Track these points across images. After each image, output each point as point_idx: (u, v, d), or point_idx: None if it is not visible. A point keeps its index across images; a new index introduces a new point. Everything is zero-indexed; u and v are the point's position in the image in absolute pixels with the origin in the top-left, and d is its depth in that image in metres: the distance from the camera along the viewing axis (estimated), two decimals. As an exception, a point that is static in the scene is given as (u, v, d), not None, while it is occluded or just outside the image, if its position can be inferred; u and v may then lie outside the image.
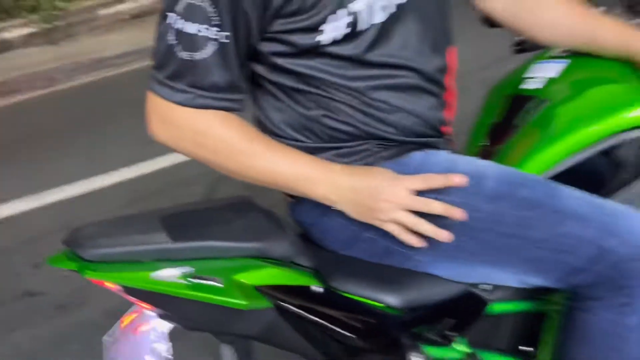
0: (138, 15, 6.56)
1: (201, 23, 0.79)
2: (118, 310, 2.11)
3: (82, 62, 5.50)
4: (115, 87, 4.94)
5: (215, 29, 0.79)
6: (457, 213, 0.80)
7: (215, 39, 0.79)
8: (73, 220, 2.83)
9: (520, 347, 0.95)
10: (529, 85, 1.01)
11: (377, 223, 0.84)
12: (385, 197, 0.82)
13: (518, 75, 1.04)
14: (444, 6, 0.93)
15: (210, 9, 0.78)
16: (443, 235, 0.81)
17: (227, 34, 0.80)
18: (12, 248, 2.67)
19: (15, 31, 6.12)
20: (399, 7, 0.85)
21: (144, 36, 5.97)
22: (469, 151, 1.08)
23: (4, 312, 2.28)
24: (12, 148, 3.82)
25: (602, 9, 1.11)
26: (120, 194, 2.98)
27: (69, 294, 2.28)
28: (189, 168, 3.11)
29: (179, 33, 0.80)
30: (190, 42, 0.80)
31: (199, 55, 0.80)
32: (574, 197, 0.84)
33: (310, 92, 0.87)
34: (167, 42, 0.82)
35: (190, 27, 0.79)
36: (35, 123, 4.35)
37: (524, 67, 1.04)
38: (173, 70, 0.83)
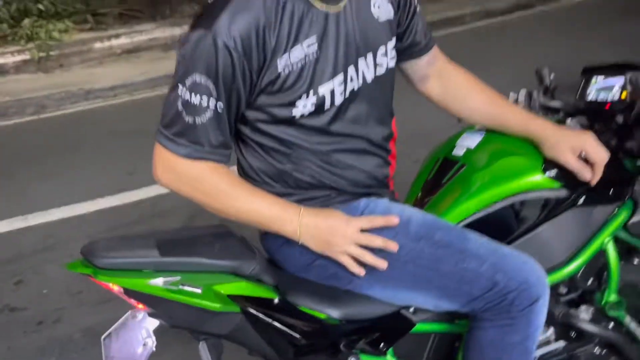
0: (130, 51, 6.81)
1: (203, 95, 1.00)
2: (92, 328, 2.26)
3: (72, 92, 5.67)
4: (102, 118, 5.12)
5: (213, 101, 1.00)
6: (392, 246, 1.03)
7: (213, 109, 1.01)
8: (55, 243, 2.99)
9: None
10: (455, 152, 1.26)
11: (332, 255, 1.06)
12: (341, 234, 1.04)
13: (448, 144, 1.30)
14: (387, 91, 1.19)
15: (211, 86, 0.99)
16: (380, 264, 1.03)
17: (222, 105, 1.02)
18: (-6, 265, 2.78)
19: (10, 57, 6.31)
20: (352, 93, 1.10)
21: (133, 71, 6.23)
22: (408, 200, 1.32)
23: (-18, 325, 2.38)
24: (-1, 170, 3.98)
25: (512, 97, 1.40)
26: (102, 220, 3.11)
27: (48, 310, 2.41)
28: (166, 201, 3.26)
29: (186, 102, 1.01)
30: (194, 109, 1.00)
31: (199, 120, 1.01)
32: (476, 241, 1.06)
33: (283, 151, 1.10)
34: (176, 107, 1.02)
35: (195, 99, 1.00)
36: (23, 147, 4.49)
37: (454, 137, 1.30)
38: (178, 130, 1.02)
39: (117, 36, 6.76)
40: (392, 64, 1.15)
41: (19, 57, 6.32)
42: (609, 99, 1.30)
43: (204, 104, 1.00)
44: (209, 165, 1.04)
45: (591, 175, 1.13)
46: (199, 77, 0.98)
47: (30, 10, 6.68)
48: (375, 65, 1.12)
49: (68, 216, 3.24)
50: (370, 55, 1.11)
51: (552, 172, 1.14)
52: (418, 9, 1.24)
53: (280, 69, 1.01)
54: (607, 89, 1.33)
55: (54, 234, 3.03)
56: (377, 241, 1.03)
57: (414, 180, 1.34)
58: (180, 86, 1.01)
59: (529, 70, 4.96)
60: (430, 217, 1.11)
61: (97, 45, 6.65)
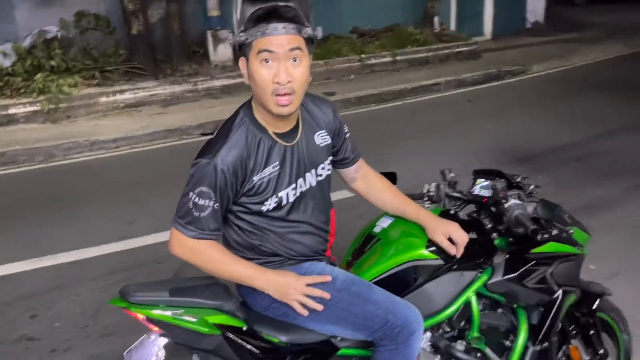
0: (133, 105, 7.39)
1: (206, 199, 1.51)
2: (97, 356, 2.68)
3: (78, 142, 6.15)
4: (105, 169, 5.62)
5: (212, 202, 1.51)
6: (325, 295, 1.54)
7: (212, 207, 1.51)
8: (65, 283, 3.45)
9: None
10: (375, 229, 1.82)
11: (287, 301, 1.55)
12: (293, 287, 1.54)
13: (372, 223, 1.86)
14: (325, 191, 1.72)
15: (212, 194, 1.50)
16: (318, 307, 1.55)
17: (218, 205, 1.52)
18: (10, 302, 3.20)
19: (22, 108, 6.82)
20: (302, 193, 1.63)
21: (134, 125, 6.80)
22: (343, 261, 1.86)
23: (4, 351, 2.80)
24: (10, 215, 4.39)
25: (426, 188, 1.97)
26: (106, 264, 3.56)
27: (59, 341, 2.85)
28: (163, 248, 3.71)
29: (195, 203, 1.51)
30: (200, 208, 1.50)
31: (203, 214, 1.50)
32: (378, 292, 1.56)
33: (254, 232, 1.62)
34: (188, 206, 1.50)
35: (201, 201, 1.51)
36: (33, 194, 4.95)
37: (375, 219, 1.86)
38: (189, 220, 1.50)
39: (121, 92, 7.34)
40: (328, 173, 1.71)
41: (29, 109, 6.84)
42: (486, 195, 1.88)
43: (207, 204, 1.51)
44: (208, 242, 1.54)
45: (455, 251, 1.67)
46: (204, 188, 1.50)
47: (43, 65, 7.23)
48: (317, 175, 1.67)
49: (76, 259, 3.67)
50: (313, 170, 1.66)
51: (432, 249, 1.69)
52: (347, 135, 1.79)
53: (255, 182, 1.55)
54: (485, 187, 1.91)
55: (63, 275, 3.48)
56: (316, 292, 1.54)
57: (348, 248, 1.90)
58: (191, 193, 1.52)
59: (484, 135, 5.69)
60: (351, 276, 1.63)
61: (103, 99, 7.22)
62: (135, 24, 7.75)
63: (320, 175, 1.68)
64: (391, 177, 2.04)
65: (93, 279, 3.42)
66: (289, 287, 1.55)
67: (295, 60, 1.48)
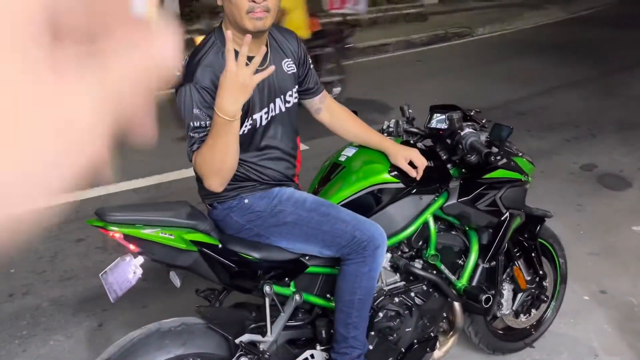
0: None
1: (201, 120, 1.50)
2: (57, 299, 2.70)
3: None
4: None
5: (209, 121, 1.49)
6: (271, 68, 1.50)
7: (208, 126, 1.51)
8: (14, 233, 3.36)
9: (327, 295, 1.80)
10: (340, 158, 1.90)
11: (249, 92, 1.42)
12: (239, 82, 1.40)
13: (337, 154, 1.95)
14: (293, 118, 1.77)
15: (203, 113, 1.50)
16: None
17: (210, 121, 1.51)
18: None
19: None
20: (272, 118, 1.68)
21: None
22: (309, 190, 1.95)
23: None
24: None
25: (386, 124, 2.08)
26: (58, 214, 3.45)
27: (17, 286, 2.83)
28: (115, 198, 3.75)
29: (195, 127, 1.51)
30: (200, 130, 1.52)
31: (203, 134, 1.52)
32: (345, 212, 1.66)
33: None
34: (190, 134, 1.53)
35: (198, 122, 1.51)
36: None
37: (340, 149, 1.95)
38: (193, 143, 1.54)
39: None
40: (295, 101, 1.77)
41: None
42: (443, 127, 2.00)
43: (204, 124, 1.52)
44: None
45: (415, 174, 1.79)
46: (195, 110, 1.51)
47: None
48: (285, 101, 1.73)
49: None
50: (282, 96, 1.71)
51: (394, 173, 1.81)
52: (311, 66, 1.85)
53: None
54: (441, 121, 2.03)
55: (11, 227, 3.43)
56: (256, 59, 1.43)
57: (314, 178, 1.99)
58: (189, 123, 1.53)
59: (432, 92, 5.92)
60: (319, 199, 1.71)
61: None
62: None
63: (289, 102, 1.74)
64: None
65: (45, 228, 3.35)
66: (235, 87, 1.43)
67: None
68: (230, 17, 1.57)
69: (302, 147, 3.04)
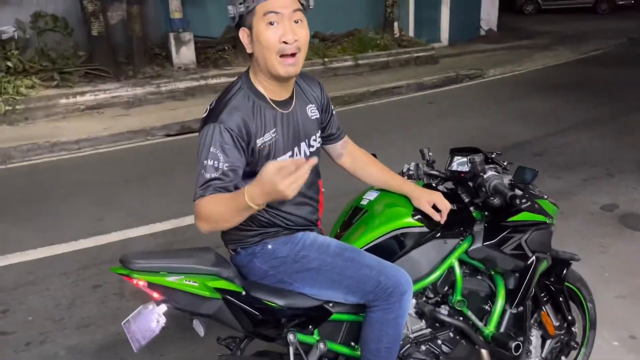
0: (94, 107, 7.25)
1: (215, 160, 1.47)
2: (75, 347, 2.65)
3: (38, 144, 5.99)
4: (68, 170, 5.49)
5: (222, 163, 1.47)
6: (313, 161, 1.32)
7: (222, 169, 1.46)
8: (35, 279, 3.38)
9: (351, 343, 1.75)
10: (362, 202, 1.89)
11: (279, 197, 1.30)
12: (272, 177, 1.26)
13: (358, 197, 1.95)
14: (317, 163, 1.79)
15: (220, 154, 1.47)
16: (314, 161, 1.32)
17: (228, 165, 1.46)
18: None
19: (-25, 110, 6.62)
20: None
21: (97, 127, 6.67)
22: (331, 234, 1.93)
23: (-25, 347, 2.72)
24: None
25: (405, 167, 2.08)
26: (76, 260, 3.51)
27: (34, 334, 2.79)
28: (134, 244, 3.74)
29: (206, 166, 1.47)
30: (211, 169, 1.47)
31: (216, 175, 1.47)
32: (370, 257, 1.63)
33: None
34: (202, 172, 1.47)
35: (212, 162, 1.47)
36: (-7, 195, 4.84)
37: (361, 193, 1.95)
38: (203, 185, 1.48)
39: (82, 93, 7.20)
40: (318, 145, 1.78)
41: (-16, 110, 6.64)
42: (463, 170, 1.99)
43: (217, 165, 1.49)
44: (208, 198, 1.47)
45: (439, 218, 1.77)
46: (212, 149, 1.49)
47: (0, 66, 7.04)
48: (309, 145, 1.74)
49: (45, 256, 3.60)
50: (306, 140, 1.72)
51: (417, 217, 1.79)
52: (334, 112, 1.87)
53: (258, 145, 1.58)
54: (462, 163, 2.02)
55: (33, 271, 3.40)
56: (288, 163, 1.29)
57: (335, 222, 1.97)
58: (204, 161, 1.49)
59: (447, 133, 5.93)
60: (343, 243, 1.69)
61: (62, 101, 7.06)
62: (95, 25, 7.64)
63: (312, 146, 1.75)
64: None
65: (64, 274, 3.36)
66: (269, 187, 1.33)
67: (297, 22, 1.55)
68: (260, 62, 1.59)
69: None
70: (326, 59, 8.86)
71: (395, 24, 10.28)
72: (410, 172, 2.12)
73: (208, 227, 1.50)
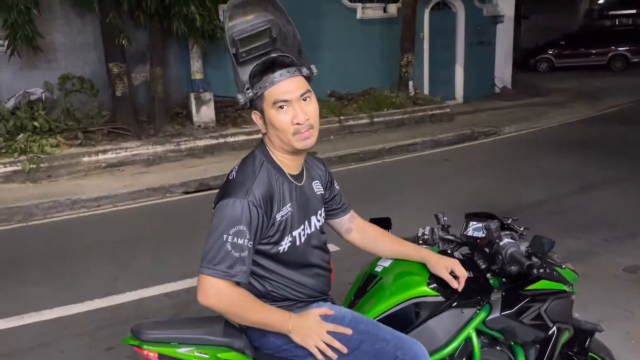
0: (115, 165, 7.43)
1: (244, 238, 1.50)
2: None
3: (59, 202, 6.12)
4: (87, 227, 5.56)
5: (248, 240, 1.51)
6: (343, 349, 1.55)
7: (248, 246, 1.52)
8: (49, 340, 3.36)
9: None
10: (376, 269, 1.88)
11: (306, 345, 1.55)
12: (315, 333, 1.55)
13: (372, 264, 1.93)
14: (322, 235, 1.78)
15: (247, 232, 1.49)
16: (334, 356, 1.55)
17: (252, 242, 1.53)
18: (-10, 360, 3.10)
19: (1, 168, 6.77)
20: (308, 235, 1.70)
21: (116, 184, 6.80)
22: (345, 302, 1.91)
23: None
24: (-10, 273, 4.30)
25: (420, 231, 2.06)
26: (91, 320, 3.50)
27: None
28: (148, 304, 3.73)
29: (234, 244, 1.48)
30: (240, 248, 1.49)
31: (243, 254, 1.49)
32: (385, 330, 1.60)
33: (267, 277, 1.65)
34: (226, 248, 1.48)
35: (240, 240, 1.48)
36: (13, 253, 4.85)
37: (376, 259, 1.94)
38: (229, 263, 1.48)
39: (104, 151, 7.39)
40: (322, 221, 1.80)
41: (10, 168, 6.82)
42: (480, 236, 1.97)
43: (245, 243, 1.50)
44: (242, 289, 1.55)
45: (457, 285, 1.74)
46: (241, 227, 1.51)
47: (26, 126, 7.27)
48: (317, 219, 1.76)
49: (60, 316, 3.59)
50: (316, 214, 1.75)
51: (433, 285, 1.76)
52: (337, 188, 1.91)
53: (277, 220, 1.61)
54: (478, 229, 2.00)
55: (48, 332, 3.40)
56: (336, 344, 1.56)
57: (349, 289, 1.95)
58: (226, 235, 1.50)
59: (463, 191, 5.88)
60: (357, 314, 1.67)
61: (85, 159, 7.25)
62: (119, 86, 7.92)
63: (320, 220, 1.78)
64: (385, 222, 2.12)
65: (79, 335, 3.34)
66: (310, 331, 1.58)
67: (305, 100, 1.61)
68: (275, 141, 1.64)
69: (333, 247, 3.01)
70: (342, 117, 9.01)
71: (410, 82, 10.47)
72: (426, 237, 2.11)
73: (217, 308, 1.52)
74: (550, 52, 19.63)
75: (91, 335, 3.34)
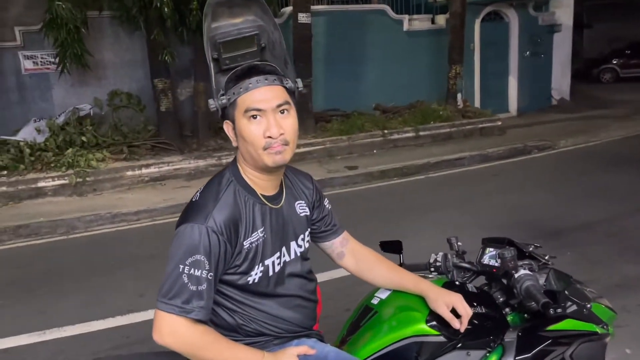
0: (158, 179, 7.52)
1: (201, 269, 1.32)
2: None
3: (100, 215, 6.23)
4: (124, 241, 5.60)
5: (206, 271, 1.33)
6: None
7: (207, 278, 1.35)
8: (69, 358, 3.30)
9: None
10: (373, 301, 1.67)
11: None
12: None
13: (370, 294, 1.72)
14: (308, 262, 1.61)
15: (206, 262, 1.33)
16: None
17: (212, 274, 1.34)
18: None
19: (50, 182, 6.99)
20: (285, 264, 1.52)
21: (157, 198, 6.85)
22: (338, 336, 1.70)
23: None
24: (23, 287, 4.36)
25: (433, 257, 1.84)
26: (110, 339, 3.44)
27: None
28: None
29: (190, 275, 1.31)
30: (197, 280, 1.32)
31: (201, 288, 1.32)
32: None
33: (237, 310, 1.47)
34: (182, 281, 1.31)
35: (197, 272, 1.31)
36: (49, 266, 4.92)
37: (374, 290, 1.73)
38: (185, 298, 1.31)
39: (147, 166, 7.50)
40: (307, 245, 1.61)
41: (58, 182, 7.03)
42: (495, 265, 1.73)
43: (203, 275, 1.34)
44: (203, 327, 1.37)
45: (459, 325, 1.50)
46: (198, 257, 1.33)
47: (75, 141, 7.50)
48: (298, 245, 1.58)
49: (80, 333, 3.56)
50: (295, 240, 1.57)
51: (433, 323, 1.53)
52: (329, 207, 1.71)
53: (245, 247, 1.43)
54: (494, 256, 1.76)
55: (65, 350, 3.36)
56: None
57: (345, 321, 1.75)
58: (182, 265, 1.33)
59: (509, 209, 5.49)
60: (343, 355, 1.47)
61: (129, 173, 7.38)
62: (164, 101, 8.06)
63: (301, 246, 1.59)
64: (396, 245, 1.92)
65: (94, 353, 3.27)
66: None
67: (283, 113, 1.43)
68: (246, 156, 1.47)
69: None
70: (386, 130, 8.78)
71: (459, 95, 10.11)
72: (438, 264, 1.88)
73: (173, 348, 1.34)
74: (615, 62, 18.60)
75: (107, 352, 3.27)
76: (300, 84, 1.50)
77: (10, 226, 5.90)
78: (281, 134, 1.41)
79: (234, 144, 1.49)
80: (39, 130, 7.50)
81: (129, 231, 5.96)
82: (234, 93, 1.42)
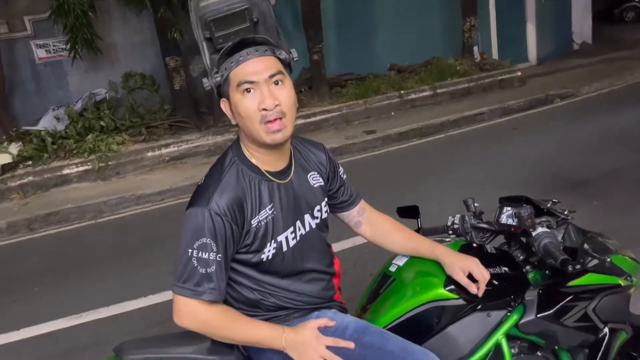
0: (178, 158, 7.57)
1: (208, 251, 1.34)
2: None
3: (125, 198, 6.33)
4: (150, 222, 5.70)
5: (215, 253, 1.34)
6: None
7: (216, 259, 1.35)
8: (104, 339, 3.42)
9: None
10: (391, 268, 1.67)
11: None
12: (313, 348, 1.37)
13: (388, 262, 1.72)
14: (324, 233, 1.61)
15: (212, 244, 1.34)
16: None
17: (221, 255, 1.36)
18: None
19: (74, 168, 7.12)
20: (302, 237, 1.52)
21: (178, 177, 6.92)
22: (359, 305, 1.72)
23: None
24: (57, 273, 4.51)
25: (450, 220, 1.82)
26: (144, 317, 3.55)
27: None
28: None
29: (198, 259, 1.33)
30: (205, 262, 1.34)
31: (210, 270, 1.34)
32: (393, 341, 1.40)
33: (254, 287, 1.48)
34: (192, 264, 1.34)
35: (204, 255, 1.33)
36: (81, 250, 5.08)
37: (391, 258, 1.73)
38: (197, 281, 1.34)
39: (166, 145, 7.55)
40: (325, 215, 1.61)
41: (82, 168, 7.14)
42: (513, 224, 1.71)
43: (211, 257, 1.36)
44: (220, 305, 1.41)
45: (476, 290, 1.50)
46: (204, 239, 1.35)
47: (94, 126, 7.57)
48: (314, 217, 1.57)
49: (115, 314, 3.68)
50: (310, 212, 1.56)
51: (451, 287, 1.52)
52: (344, 177, 1.70)
53: (253, 226, 1.44)
54: (511, 216, 1.73)
55: (101, 331, 3.48)
56: (336, 358, 1.37)
57: (365, 289, 1.76)
58: (190, 249, 1.36)
59: (530, 163, 5.36)
60: (362, 324, 1.48)
61: (149, 154, 7.45)
62: (177, 79, 8.03)
63: (317, 217, 1.58)
64: (413, 210, 1.90)
65: (130, 333, 3.38)
66: (307, 347, 1.40)
67: (277, 84, 1.40)
68: (246, 132, 1.46)
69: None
70: (402, 91, 8.63)
71: (475, 48, 9.83)
72: (456, 226, 1.86)
73: (193, 329, 1.39)
74: (638, -1, 17.82)
75: (142, 333, 3.37)
76: (295, 54, 1.47)
77: (40, 214, 6.05)
78: (277, 105, 1.38)
79: (233, 121, 1.47)
80: (58, 119, 7.59)
81: (154, 212, 6.06)
82: (225, 69, 1.40)
